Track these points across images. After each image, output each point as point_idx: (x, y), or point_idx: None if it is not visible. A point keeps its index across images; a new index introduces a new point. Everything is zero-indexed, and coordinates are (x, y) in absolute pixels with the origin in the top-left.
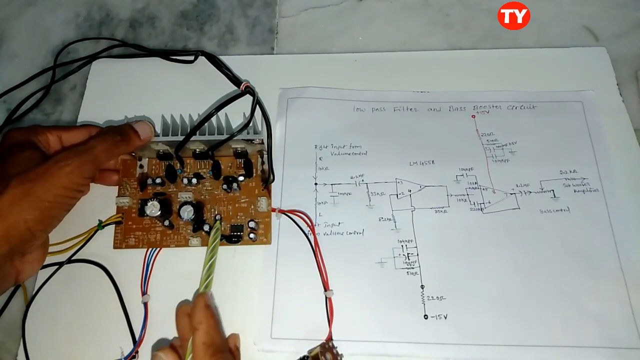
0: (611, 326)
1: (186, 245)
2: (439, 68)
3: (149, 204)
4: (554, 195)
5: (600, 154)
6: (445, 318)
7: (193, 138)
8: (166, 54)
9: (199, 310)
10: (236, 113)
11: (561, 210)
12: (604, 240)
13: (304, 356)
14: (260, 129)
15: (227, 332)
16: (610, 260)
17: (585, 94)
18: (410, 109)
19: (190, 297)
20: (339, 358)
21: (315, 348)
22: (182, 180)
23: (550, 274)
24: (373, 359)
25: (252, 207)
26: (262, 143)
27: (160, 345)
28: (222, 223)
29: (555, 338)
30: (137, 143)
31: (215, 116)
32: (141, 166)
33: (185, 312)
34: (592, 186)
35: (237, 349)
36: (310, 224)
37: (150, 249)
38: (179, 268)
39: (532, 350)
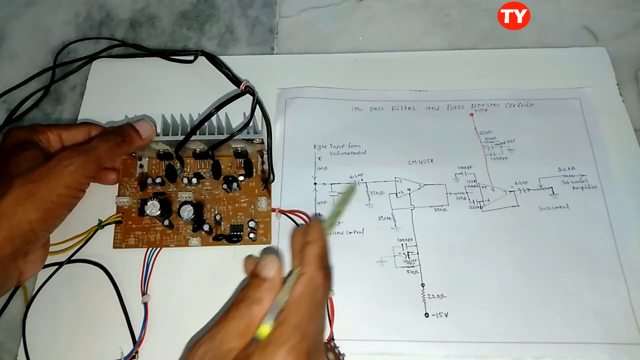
0: (611, 322)
1: (186, 245)
2: (439, 68)
3: (149, 203)
4: (553, 192)
5: (599, 150)
6: (446, 316)
7: (193, 138)
8: (166, 54)
9: (316, 229)
10: (236, 113)
11: (560, 207)
12: (603, 236)
13: None
14: (260, 128)
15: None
16: (609, 256)
17: (583, 91)
18: (409, 108)
19: (191, 297)
20: (341, 358)
21: None
22: (182, 180)
23: (550, 271)
24: (375, 358)
25: (252, 207)
26: (262, 143)
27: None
28: (222, 223)
29: (555, 334)
30: (138, 142)
31: (215, 116)
32: (141, 166)
33: (300, 230)
34: (590, 183)
35: None
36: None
37: (150, 249)
38: (179, 268)
39: (533, 346)
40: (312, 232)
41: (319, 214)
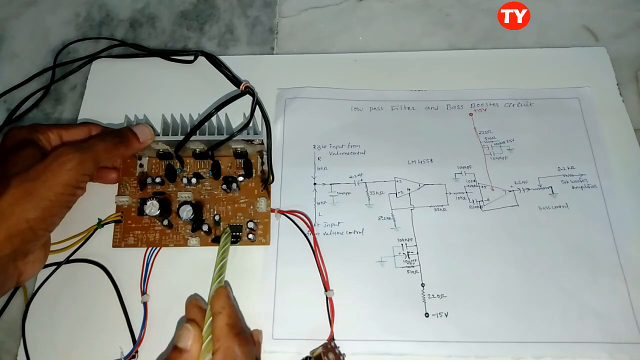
0: (611, 321)
1: (185, 245)
2: (439, 68)
3: (148, 203)
4: (552, 192)
5: (598, 150)
6: (446, 316)
7: (193, 138)
8: (166, 54)
9: (221, 298)
10: (236, 113)
11: (560, 206)
12: (602, 235)
13: (307, 357)
14: (260, 129)
15: None
16: (609, 255)
17: (582, 90)
18: (408, 108)
19: (189, 297)
20: (341, 358)
21: (317, 348)
22: (181, 179)
23: (550, 270)
24: (375, 358)
25: (252, 207)
26: (262, 143)
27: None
28: (222, 224)
29: (555, 334)
30: (136, 146)
31: (215, 116)
32: (141, 165)
33: (195, 304)
34: (590, 182)
35: (259, 343)
36: (309, 224)
37: (149, 249)
38: (178, 268)
39: (533, 346)
40: (217, 302)
41: (319, 214)
